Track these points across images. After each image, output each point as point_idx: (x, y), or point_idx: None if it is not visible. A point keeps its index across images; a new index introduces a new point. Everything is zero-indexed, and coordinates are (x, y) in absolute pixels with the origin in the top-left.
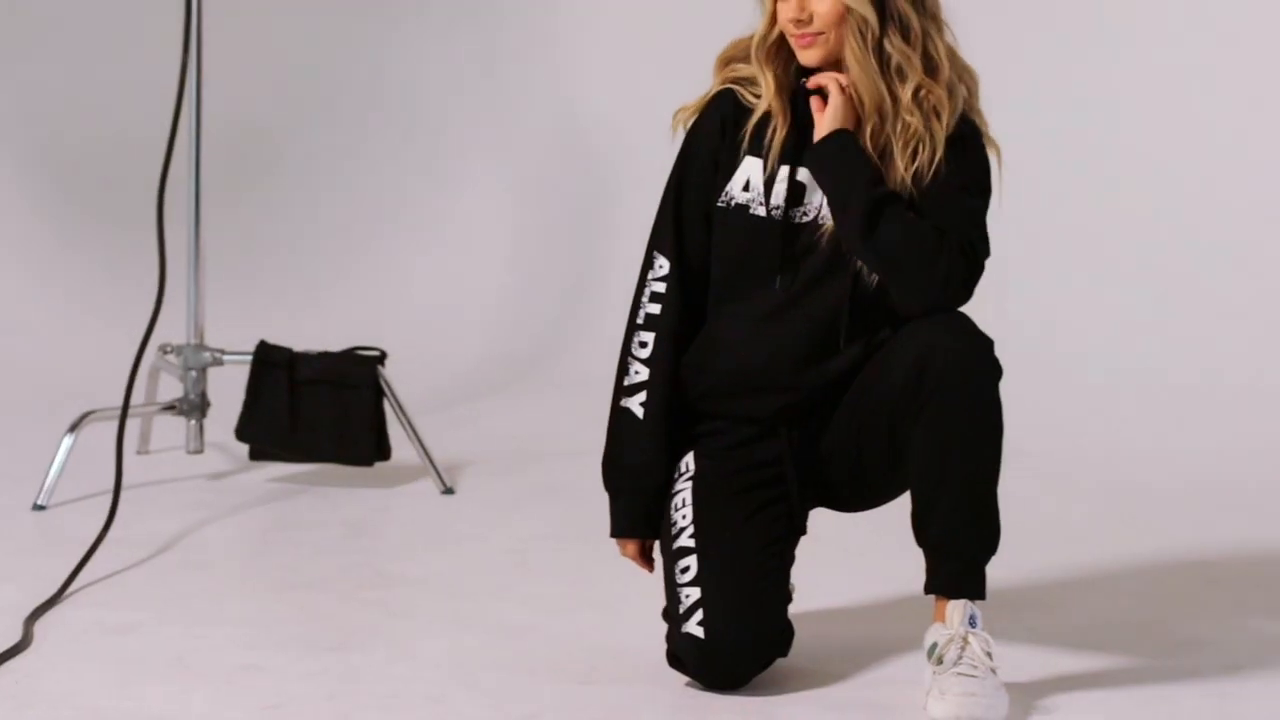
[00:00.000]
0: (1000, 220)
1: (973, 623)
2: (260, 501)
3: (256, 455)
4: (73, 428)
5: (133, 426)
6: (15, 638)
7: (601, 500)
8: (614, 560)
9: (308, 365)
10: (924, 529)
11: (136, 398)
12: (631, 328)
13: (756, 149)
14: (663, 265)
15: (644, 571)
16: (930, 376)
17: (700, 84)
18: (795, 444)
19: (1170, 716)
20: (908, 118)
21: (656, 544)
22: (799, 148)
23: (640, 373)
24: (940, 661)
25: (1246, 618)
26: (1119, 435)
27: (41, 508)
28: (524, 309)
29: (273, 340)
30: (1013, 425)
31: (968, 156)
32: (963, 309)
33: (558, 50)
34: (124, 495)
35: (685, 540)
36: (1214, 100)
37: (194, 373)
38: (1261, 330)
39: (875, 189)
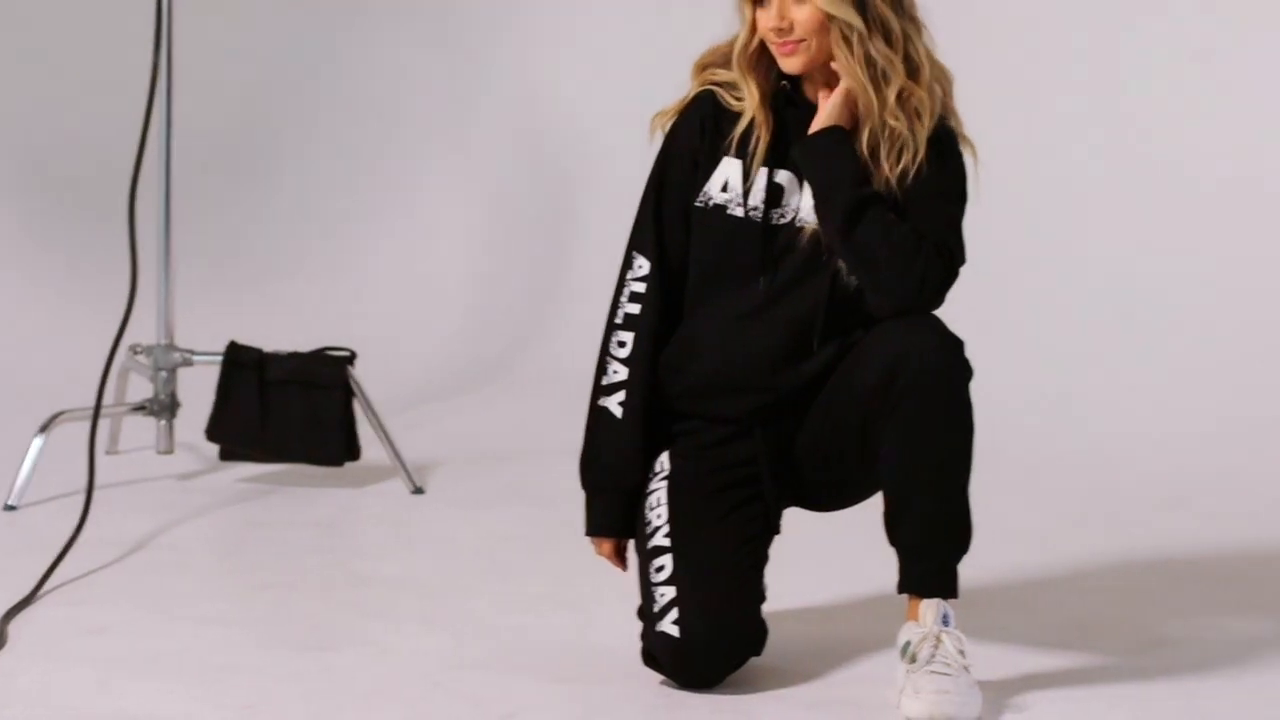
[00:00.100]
0: (973, 218)
1: (946, 621)
2: (230, 501)
3: (226, 455)
4: (43, 428)
5: (102, 427)
6: None
7: (570, 500)
8: (585, 560)
9: (278, 366)
10: (897, 529)
11: (106, 398)
12: (610, 327)
13: (736, 151)
14: (642, 265)
15: (618, 570)
16: (902, 377)
17: (665, 81)
18: (770, 444)
19: (1141, 714)
20: (892, 121)
21: (630, 543)
22: (778, 152)
23: (619, 372)
24: (913, 660)
25: (1215, 616)
26: (1088, 436)
27: (12, 508)
28: (492, 310)
29: (243, 341)
30: (983, 425)
31: (946, 162)
32: (934, 311)
33: (523, 50)
34: (95, 495)
35: (660, 539)
36: (1186, 97)
37: (164, 373)
38: (1230, 331)
39: (861, 188)
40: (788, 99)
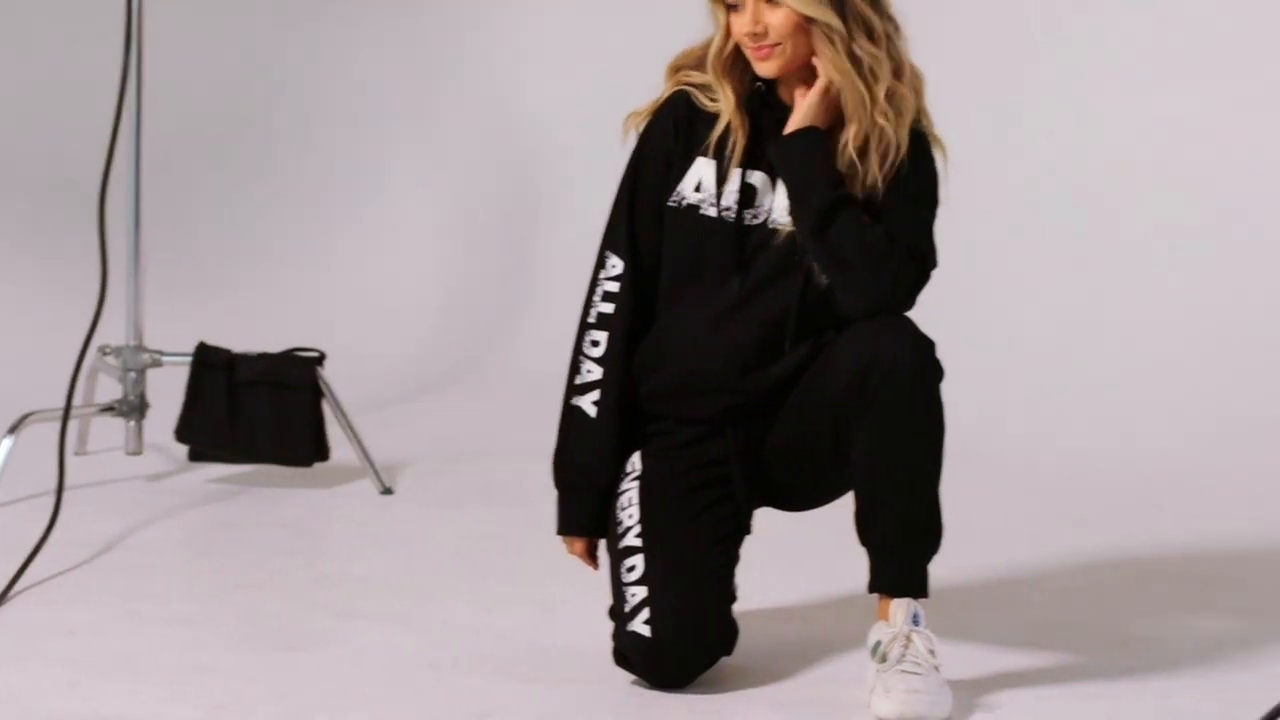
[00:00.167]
0: (944, 218)
1: (916, 621)
2: (200, 502)
3: (196, 456)
4: (13, 429)
5: (70, 428)
6: None
7: (540, 499)
8: (555, 559)
9: (247, 366)
10: (867, 529)
11: (74, 398)
12: (584, 326)
13: (712, 153)
14: (615, 265)
15: (589, 570)
16: (874, 378)
17: (631, 80)
18: (741, 444)
19: (1111, 713)
20: (882, 120)
21: (602, 543)
22: (752, 154)
23: (593, 371)
24: (884, 659)
25: (1183, 615)
26: (1057, 437)
27: None
28: (459, 310)
29: (212, 342)
30: (952, 426)
31: (919, 165)
32: (905, 312)
33: (489, 49)
34: (64, 496)
35: (632, 540)
36: (1153, 95)
37: (133, 374)
38: (1199, 334)
39: (835, 189)
40: (763, 100)
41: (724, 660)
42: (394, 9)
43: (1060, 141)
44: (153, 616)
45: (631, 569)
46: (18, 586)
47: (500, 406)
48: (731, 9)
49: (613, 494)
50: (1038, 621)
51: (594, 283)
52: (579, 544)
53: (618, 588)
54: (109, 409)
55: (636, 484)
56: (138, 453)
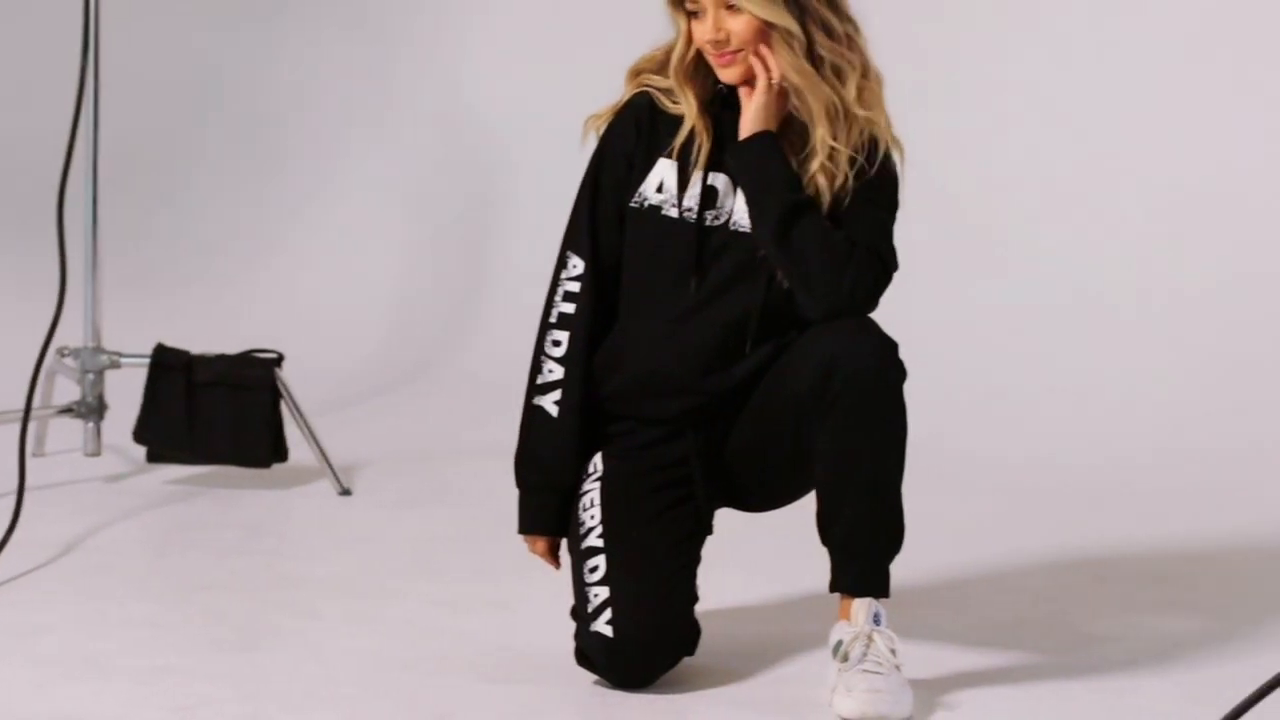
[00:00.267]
0: (904, 219)
1: (877, 620)
2: (159, 503)
3: (154, 457)
4: None
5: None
6: None
7: (498, 499)
8: (515, 559)
9: (205, 368)
10: (829, 528)
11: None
12: (545, 326)
13: (670, 152)
14: (577, 265)
15: (551, 569)
16: (837, 379)
17: (587, 83)
18: (702, 445)
19: (1070, 712)
20: (860, 111)
21: (564, 542)
22: (715, 156)
23: (554, 371)
24: (845, 659)
25: (1139, 614)
26: (1017, 436)
27: None
28: (416, 310)
29: (170, 343)
30: (913, 425)
31: (879, 170)
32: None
33: (444, 51)
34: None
35: (594, 540)
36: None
37: (91, 375)
38: (1159, 334)
39: (793, 193)
40: (724, 103)
41: (686, 660)
42: (349, 10)
43: (1025, 140)
44: (116, 617)
45: (594, 569)
46: None
47: (455, 407)
48: (693, 15)
49: (575, 494)
50: (998, 621)
51: (555, 283)
52: (541, 543)
53: (580, 588)
54: (67, 410)
55: (598, 484)
56: (96, 454)
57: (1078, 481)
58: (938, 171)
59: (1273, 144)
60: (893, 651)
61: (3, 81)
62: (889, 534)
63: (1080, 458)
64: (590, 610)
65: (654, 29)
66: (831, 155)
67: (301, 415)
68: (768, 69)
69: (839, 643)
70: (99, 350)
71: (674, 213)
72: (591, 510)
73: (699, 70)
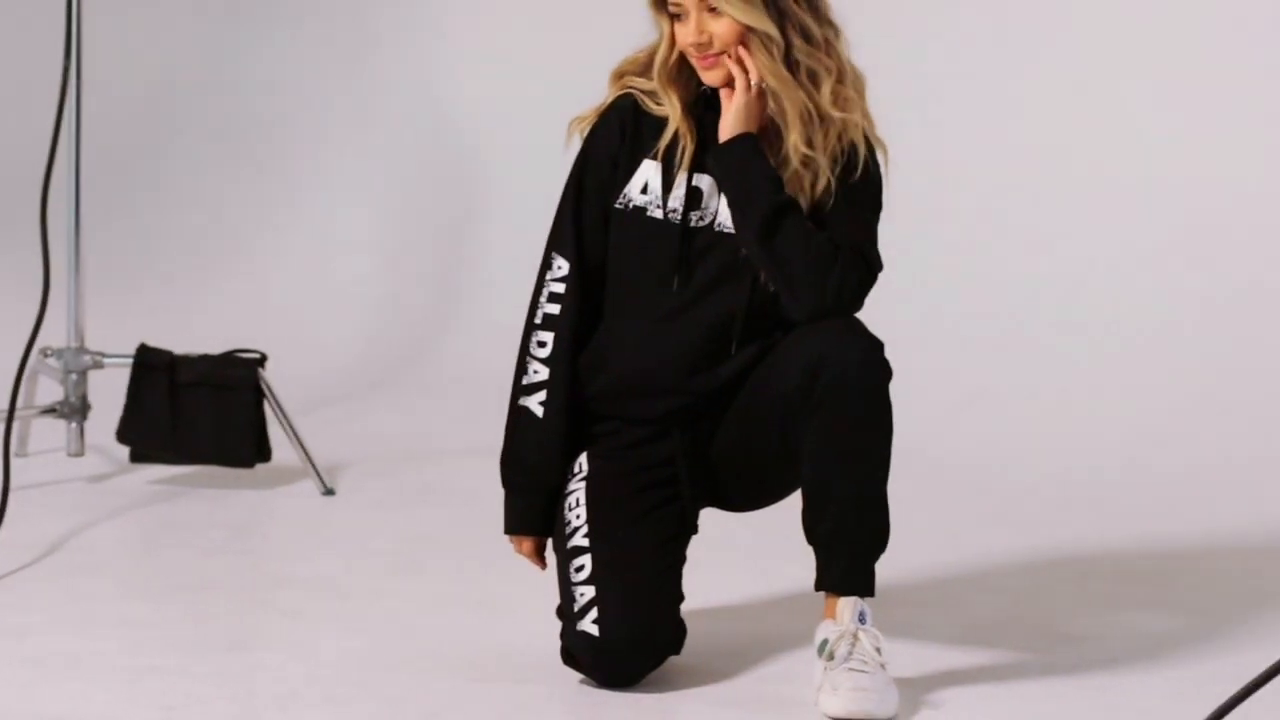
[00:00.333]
0: (889, 220)
1: (862, 619)
2: (142, 504)
3: (137, 457)
4: None
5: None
6: None
7: (481, 499)
8: (499, 559)
9: (188, 368)
10: (815, 527)
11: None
12: (530, 327)
13: (655, 154)
14: (561, 266)
15: (536, 569)
16: (823, 378)
17: (568, 82)
18: (687, 445)
19: (1054, 710)
20: (834, 113)
21: (549, 542)
22: (698, 157)
23: (539, 372)
24: (831, 657)
25: (1119, 612)
26: (1001, 437)
27: None
28: (398, 310)
29: (153, 343)
30: (900, 426)
31: (862, 171)
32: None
33: (428, 53)
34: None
35: (579, 540)
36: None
37: (74, 376)
38: (1137, 333)
39: (776, 195)
40: (708, 104)
41: (672, 659)
42: (330, 10)
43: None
44: (102, 617)
45: (580, 569)
46: None
47: (439, 406)
48: (675, 18)
49: (560, 494)
50: (982, 619)
51: (540, 284)
52: (527, 543)
53: (566, 587)
54: (50, 411)
55: (584, 484)
56: (79, 454)
57: (1058, 482)
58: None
59: (1262, 151)
60: (878, 650)
61: None
62: (874, 533)
63: (1060, 459)
64: (576, 609)
65: (633, 31)
66: (806, 161)
67: (284, 415)
68: (746, 71)
69: (824, 641)
70: (82, 350)
71: (659, 214)
72: (577, 510)
73: (682, 72)
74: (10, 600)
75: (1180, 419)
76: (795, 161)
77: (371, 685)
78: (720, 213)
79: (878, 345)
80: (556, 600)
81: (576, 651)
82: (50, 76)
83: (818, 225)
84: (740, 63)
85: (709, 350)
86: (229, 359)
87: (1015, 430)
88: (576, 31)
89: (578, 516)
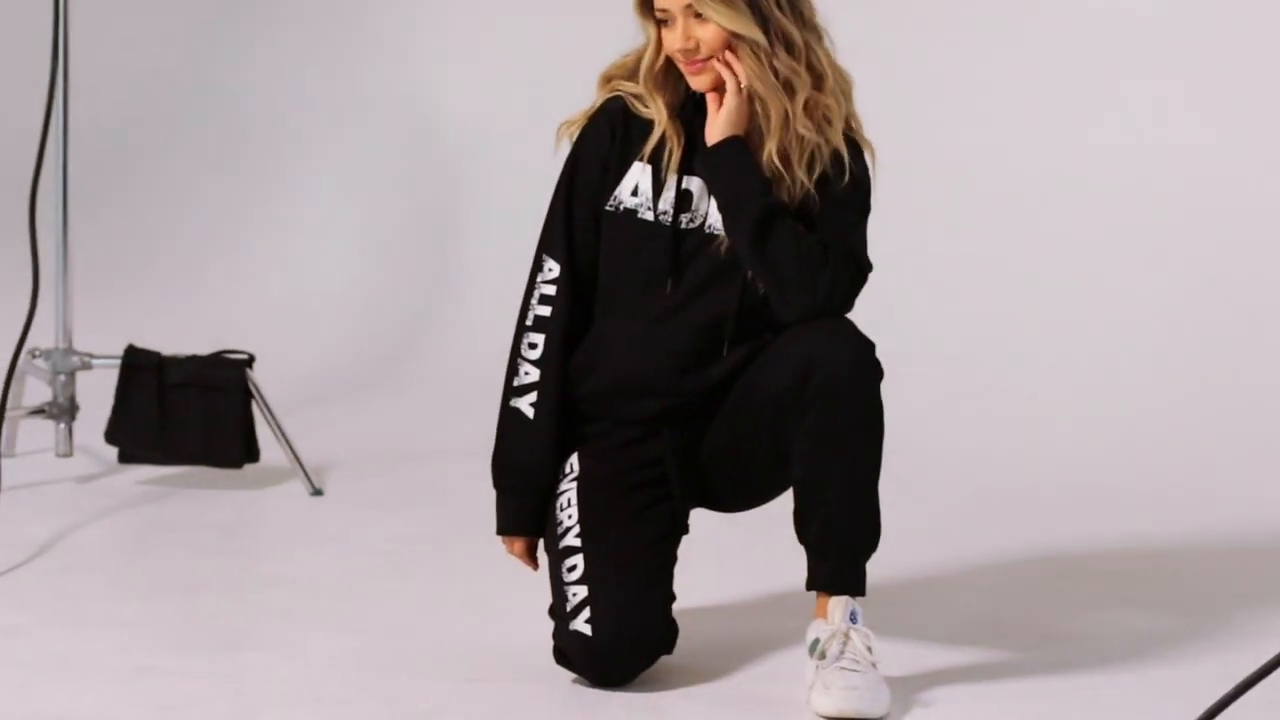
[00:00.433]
0: (880, 220)
1: (854, 618)
2: (131, 504)
3: (125, 458)
4: None
5: None
6: None
7: (469, 499)
8: (488, 559)
9: (176, 369)
10: (806, 526)
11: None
12: (521, 329)
13: (645, 158)
14: (552, 268)
15: (528, 569)
16: (814, 378)
17: (553, 82)
18: (678, 445)
19: (1045, 709)
20: (802, 130)
21: (541, 542)
22: (688, 160)
23: (530, 374)
24: (823, 656)
25: (1107, 611)
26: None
27: None
28: (384, 310)
29: (141, 344)
30: (890, 426)
31: (850, 173)
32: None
33: (411, 54)
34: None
35: (571, 540)
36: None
37: (63, 377)
38: (1128, 337)
39: (766, 198)
40: (697, 106)
41: (664, 659)
42: (318, 12)
43: (996, 141)
44: (94, 618)
45: (572, 568)
46: None
47: (426, 407)
48: (662, 24)
49: (552, 494)
50: (972, 619)
51: (531, 286)
52: (519, 544)
53: (558, 587)
54: (39, 411)
55: (575, 485)
56: (68, 455)
57: (1049, 482)
58: (914, 172)
59: (1254, 150)
60: (869, 649)
61: None
62: (865, 533)
63: (1051, 459)
64: (569, 609)
65: (618, 34)
66: (779, 170)
67: (273, 416)
68: (735, 74)
69: (816, 641)
70: (70, 351)
71: (649, 216)
72: (569, 510)
73: (669, 77)
74: (1, 601)
75: (1171, 419)
76: (769, 169)
77: (366, 685)
78: (710, 215)
79: (869, 345)
80: (549, 600)
81: (569, 651)
82: (38, 78)
83: (808, 227)
84: (729, 66)
85: (700, 351)
86: (217, 360)
87: (1006, 430)
88: (561, 35)
89: (569, 517)
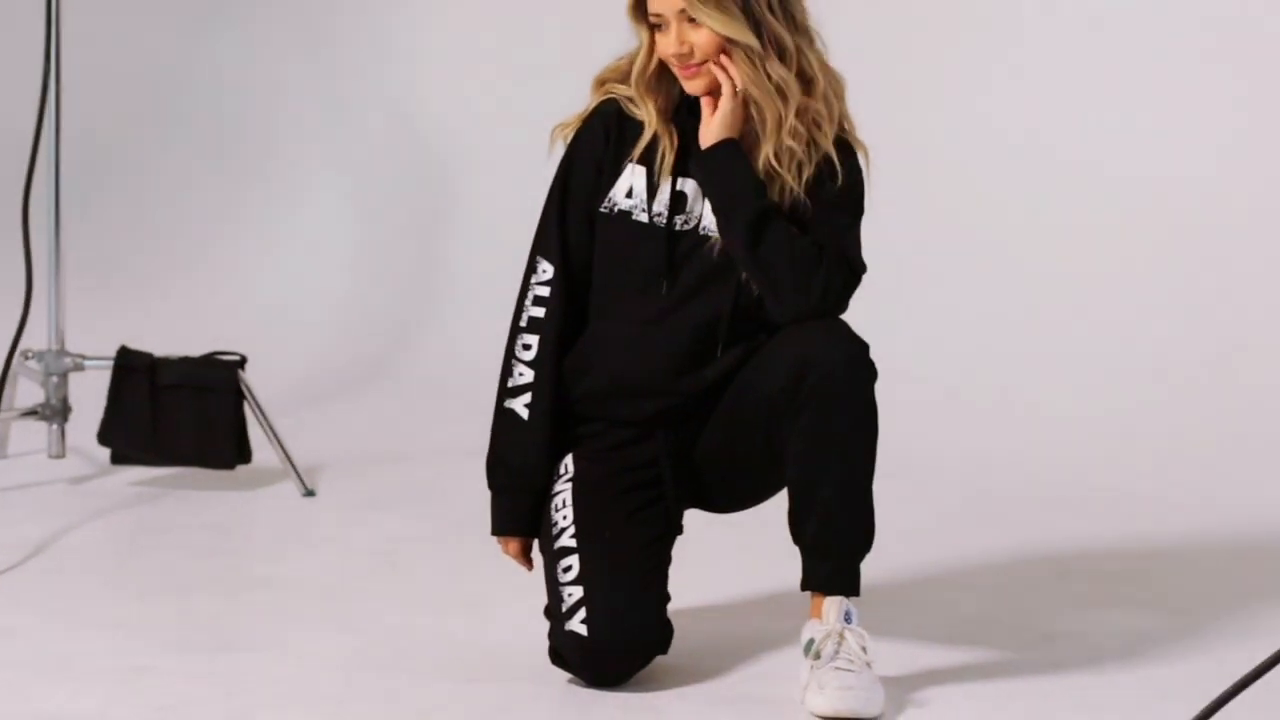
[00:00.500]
0: (874, 220)
1: (848, 618)
2: (124, 505)
3: (118, 459)
4: None
5: None
6: None
7: (463, 500)
8: (482, 559)
9: (169, 370)
10: (800, 527)
11: None
12: (515, 330)
13: (641, 158)
14: (546, 270)
15: (524, 570)
16: (809, 379)
17: (541, 85)
18: (672, 446)
19: (1038, 708)
20: (790, 141)
21: (535, 543)
22: (682, 162)
23: (524, 375)
24: (818, 656)
25: (1103, 611)
26: (982, 437)
27: None
28: (375, 311)
29: (133, 345)
30: (884, 427)
31: (843, 175)
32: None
33: (401, 56)
34: None
35: (566, 540)
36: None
37: (55, 378)
38: (1118, 337)
39: (761, 200)
40: (690, 109)
41: (659, 659)
42: (307, 14)
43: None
44: (89, 619)
45: (567, 569)
46: None
47: (418, 407)
48: (656, 28)
49: (546, 495)
50: (966, 618)
51: (525, 287)
52: (514, 544)
53: (554, 587)
54: (31, 413)
55: (570, 485)
56: (60, 456)
57: (1042, 481)
58: (909, 172)
59: (1240, 150)
60: (864, 649)
61: None
62: (860, 533)
63: (1044, 459)
64: (564, 610)
65: (610, 38)
66: (772, 174)
67: (265, 417)
68: (730, 78)
69: (811, 641)
70: (62, 353)
71: (644, 218)
72: (564, 511)
73: (662, 80)
74: None
75: (1171, 419)
76: (764, 172)
77: (362, 685)
78: (705, 216)
79: (863, 346)
80: (544, 600)
81: (564, 651)
82: (30, 80)
83: (801, 229)
84: (725, 70)
85: (695, 352)
86: (209, 361)
87: (1000, 430)
88: (551, 39)
89: (564, 517)
